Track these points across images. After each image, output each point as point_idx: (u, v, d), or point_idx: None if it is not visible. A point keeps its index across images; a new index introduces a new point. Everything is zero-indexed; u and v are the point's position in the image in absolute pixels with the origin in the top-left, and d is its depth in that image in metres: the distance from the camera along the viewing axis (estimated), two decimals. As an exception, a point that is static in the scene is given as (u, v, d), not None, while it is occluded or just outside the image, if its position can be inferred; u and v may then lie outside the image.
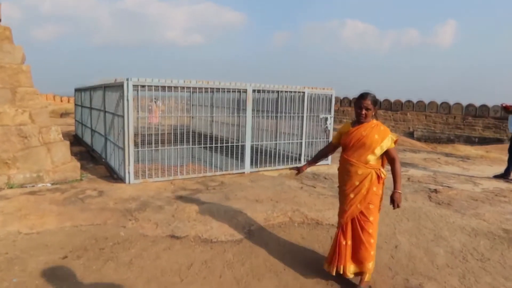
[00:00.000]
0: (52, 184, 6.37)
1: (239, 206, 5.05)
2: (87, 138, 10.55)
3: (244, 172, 7.23)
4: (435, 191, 6.35)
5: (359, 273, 3.18)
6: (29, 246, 3.77)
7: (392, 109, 25.92)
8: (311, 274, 3.28)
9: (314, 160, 3.68)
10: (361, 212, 3.10)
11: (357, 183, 3.08)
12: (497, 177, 7.58)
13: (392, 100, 28.17)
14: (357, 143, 3.07)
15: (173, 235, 4.08)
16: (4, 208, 4.82)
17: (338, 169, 3.29)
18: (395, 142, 3.12)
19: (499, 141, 20.43)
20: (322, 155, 3.66)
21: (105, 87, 7.56)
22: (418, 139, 24.06)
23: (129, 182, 6.13)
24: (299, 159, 8.08)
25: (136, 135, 6.39)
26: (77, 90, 12.42)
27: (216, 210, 4.83)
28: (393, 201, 3.07)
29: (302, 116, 7.96)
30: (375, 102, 3.07)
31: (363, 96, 3.06)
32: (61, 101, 35.06)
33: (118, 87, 6.34)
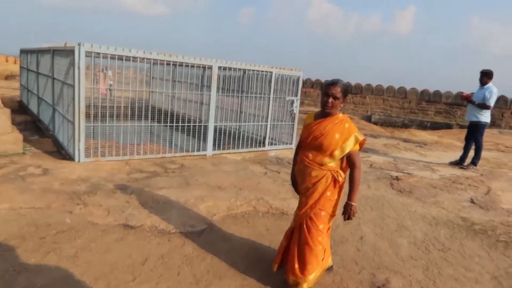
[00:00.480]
0: (-12, 157, 5.67)
1: (200, 193, 4.73)
2: (33, 106, 9.61)
3: (206, 155, 6.87)
4: (397, 178, 6.39)
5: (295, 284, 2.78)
6: (-46, 233, 3.25)
7: (352, 92, 26.36)
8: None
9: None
10: (310, 218, 2.73)
11: (310, 185, 2.73)
12: (452, 163, 7.81)
13: (353, 83, 28.64)
14: (314, 141, 2.69)
15: (127, 224, 3.70)
16: None
17: (296, 167, 2.93)
18: (361, 145, 2.70)
19: (448, 126, 21.48)
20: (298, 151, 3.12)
21: (54, 51, 6.78)
22: (375, 123, 24.75)
23: (79, 161, 5.57)
24: (263, 142, 7.84)
25: (88, 106, 5.79)
26: (23, 51, 11.24)
27: (175, 197, 4.48)
28: (345, 212, 2.72)
29: (269, 98, 7.67)
30: (346, 91, 2.66)
31: (333, 82, 2.65)
32: (7, 61, 32.10)
33: (68, 52, 5.66)
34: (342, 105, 2.69)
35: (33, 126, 8.27)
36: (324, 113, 2.71)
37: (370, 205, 4.97)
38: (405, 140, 11.43)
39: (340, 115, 2.72)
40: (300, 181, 2.83)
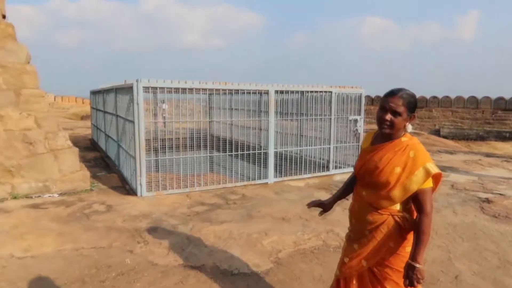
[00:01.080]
0: (60, 194, 5.88)
1: (264, 226, 4.38)
2: (101, 143, 10.11)
3: (267, 183, 6.56)
4: (487, 200, 5.53)
5: None
6: (19, 275, 3.21)
7: (417, 106, 24.82)
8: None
9: (341, 193, 2.38)
10: (372, 272, 2.05)
11: (366, 232, 2.05)
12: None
13: (417, 96, 26.96)
14: (367, 176, 2.03)
15: (187, 265, 3.45)
16: (0, 225, 4.31)
17: (349, 207, 2.25)
18: (436, 180, 1.95)
19: (532, 135, 19.10)
20: (349, 183, 2.35)
21: (117, 90, 7.03)
22: (445, 137, 22.89)
23: (141, 195, 5.55)
24: (327, 166, 7.35)
25: (148, 140, 5.81)
26: (93, 92, 12.03)
27: (237, 232, 4.17)
28: (407, 277, 1.88)
29: (330, 118, 7.23)
30: (411, 104, 1.92)
31: (392, 92, 1.93)
32: (83, 103, 35.30)
33: (128, 89, 5.78)
34: (408, 123, 1.94)
35: (101, 162, 8.62)
36: (383, 136, 2.01)
37: (460, 234, 4.26)
38: (487, 155, 10.19)
39: (405, 138, 1.97)
40: (352, 221, 2.19)
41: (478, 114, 25.48)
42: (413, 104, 1.93)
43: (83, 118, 29.22)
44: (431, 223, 1.90)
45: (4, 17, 6.38)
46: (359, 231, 2.10)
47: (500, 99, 25.31)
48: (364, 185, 2.07)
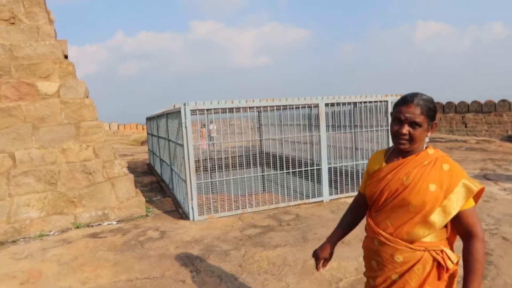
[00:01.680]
0: (118, 222, 6.01)
1: (321, 250, 4.05)
2: (157, 167, 10.39)
3: (322, 201, 6.21)
4: None
5: None
6: (76, 310, 3.21)
7: (484, 111, 22.80)
8: None
9: (344, 230, 2.02)
10: None
11: (394, 276, 1.61)
12: None
13: (483, 101, 24.93)
14: (392, 199, 1.61)
15: (240, 296, 3.24)
16: (62, 257, 4.42)
17: (363, 244, 1.85)
18: (477, 197, 1.57)
19: None
20: (351, 216, 2.02)
21: (167, 115, 7.17)
22: (519, 143, 20.74)
23: (193, 219, 5.48)
24: (387, 180, 6.82)
25: (198, 161, 5.76)
26: (148, 119, 12.53)
27: (293, 258, 3.89)
28: None
29: (387, 130, 6.74)
30: (431, 111, 1.58)
31: (406, 100, 1.59)
32: (143, 129, 37.29)
33: (177, 113, 5.83)
34: (429, 134, 1.61)
35: (157, 186, 8.80)
36: (400, 151, 1.66)
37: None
38: None
39: (431, 150, 1.64)
40: (374, 267, 1.71)
41: (556, 118, 22.90)
42: (433, 111, 1.59)
43: (143, 143, 30.75)
44: (485, 249, 1.58)
45: (66, 57, 6.82)
46: (383, 277, 1.64)
47: None
48: (387, 213, 1.64)
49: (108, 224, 5.92)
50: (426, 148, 1.65)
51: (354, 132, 6.90)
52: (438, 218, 1.52)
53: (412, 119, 1.55)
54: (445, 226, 1.60)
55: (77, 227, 5.77)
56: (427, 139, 1.62)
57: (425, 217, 1.53)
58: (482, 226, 1.53)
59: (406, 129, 1.56)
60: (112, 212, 6.14)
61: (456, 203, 1.51)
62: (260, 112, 6.22)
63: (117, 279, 3.76)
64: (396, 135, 1.60)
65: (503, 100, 24.82)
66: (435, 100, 6.95)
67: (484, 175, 8.05)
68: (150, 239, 4.82)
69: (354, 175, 6.59)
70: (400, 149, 1.63)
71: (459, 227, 1.56)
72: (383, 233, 1.63)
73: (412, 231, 1.56)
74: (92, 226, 5.85)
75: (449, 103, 25.68)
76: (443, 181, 1.53)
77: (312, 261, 3.77)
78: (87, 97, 6.73)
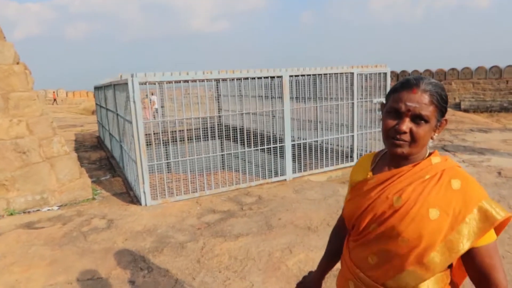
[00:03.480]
0: (59, 206, 5.36)
1: (287, 239, 3.73)
2: (107, 142, 9.57)
3: (285, 180, 5.88)
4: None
5: None
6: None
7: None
8: None
9: (326, 264, 1.48)
10: None
11: None
12: None
13: (434, 69, 25.80)
14: (376, 224, 1.16)
15: (198, 301, 2.84)
16: (-13, 255, 3.78)
17: (336, 281, 1.38)
18: (501, 226, 1.08)
19: None
20: (337, 240, 1.43)
21: (115, 86, 6.40)
22: (466, 110, 21.78)
23: (146, 204, 4.95)
24: (351, 156, 6.62)
25: (149, 135, 5.10)
26: (96, 88, 11.45)
27: (256, 250, 3.53)
28: None
29: (352, 103, 6.46)
30: (442, 101, 1.11)
31: (410, 83, 1.11)
32: (94, 97, 35.05)
33: (124, 85, 5.13)
34: (435, 136, 1.15)
35: (107, 163, 8.08)
36: (394, 158, 1.18)
37: (524, 238, 3.53)
38: (526, 130, 9.26)
39: (436, 158, 1.16)
40: None
41: (502, 85, 24.21)
42: (445, 102, 1.12)
43: (93, 112, 28.95)
44: None
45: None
46: None
47: (527, 66, 24.00)
48: (369, 245, 1.18)
49: (48, 209, 5.26)
50: (429, 155, 1.17)
51: (319, 106, 6.54)
52: (439, 258, 1.06)
53: (417, 111, 1.07)
54: (449, 266, 1.14)
55: (11, 214, 5.06)
56: (430, 143, 1.17)
57: (421, 256, 1.07)
58: (504, 270, 1.09)
59: (406, 125, 1.08)
60: (52, 196, 5.45)
61: (468, 237, 1.04)
62: (219, 82, 5.67)
63: (53, 282, 3.22)
64: (391, 134, 1.12)
65: (452, 69, 25.81)
66: (390, 69, 6.71)
67: (443, 146, 8.13)
68: (95, 230, 4.26)
69: (318, 150, 6.30)
70: (395, 154, 1.13)
71: (472, 269, 1.10)
72: (362, 275, 1.18)
73: (401, 276, 1.11)
74: (29, 212, 5.17)
75: (403, 71, 26.23)
76: (451, 204, 1.06)
77: (278, 254, 3.45)
78: (18, 63, 5.78)
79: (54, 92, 38.25)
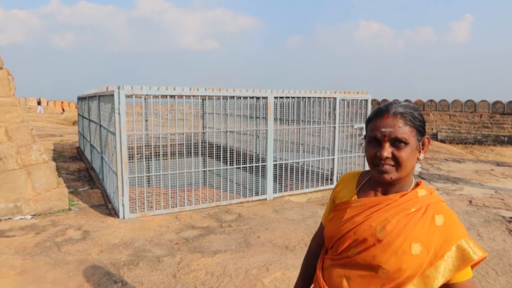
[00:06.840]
0: (33, 216, 5.22)
1: (264, 257, 3.74)
2: (87, 153, 9.43)
3: (266, 199, 5.92)
4: (512, 221, 4.95)
5: None
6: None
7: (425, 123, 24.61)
8: None
9: (301, 285, 1.45)
10: None
11: None
12: None
13: (413, 100, 26.75)
14: (357, 251, 1.16)
15: (172, 316, 2.81)
16: (-46, 263, 3.64)
17: None
18: (476, 264, 1.09)
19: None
20: (313, 260, 1.40)
21: (100, 97, 6.38)
22: (443, 141, 22.54)
23: (124, 217, 4.89)
24: (331, 179, 6.74)
25: (131, 148, 5.09)
26: (79, 98, 11.35)
27: (233, 267, 3.53)
28: None
29: (334, 127, 6.62)
30: (417, 120, 1.15)
31: (380, 110, 1.17)
32: (76, 108, 34.50)
33: (110, 97, 5.14)
34: (421, 157, 1.18)
35: (86, 174, 7.94)
36: (379, 182, 1.19)
37: (492, 266, 3.66)
38: (498, 164, 9.63)
39: (422, 191, 1.18)
40: None
41: (476, 118, 25.24)
42: (420, 120, 1.15)
43: (75, 123, 28.48)
44: None
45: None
46: None
47: (498, 103, 25.22)
48: (346, 268, 1.18)
49: (21, 218, 5.11)
50: (416, 185, 1.19)
51: (302, 128, 6.67)
52: None
53: (393, 135, 1.11)
54: None
55: (-19, 222, 4.90)
56: (417, 167, 1.23)
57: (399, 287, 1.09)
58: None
59: (387, 150, 1.11)
60: (26, 204, 5.31)
61: (443, 273, 1.07)
62: (205, 99, 5.75)
63: (22, 293, 3.13)
64: (375, 162, 1.14)
65: (431, 100, 26.81)
66: (371, 97, 6.94)
67: (419, 174, 8.35)
68: (70, 241, 4.17)
69: (299, 172, 6.39)
70: (384, 181, 1.14)
71: None
72: None
73: None
74: (0, 220, 5.01)
75: (384, 100, 27.02)
76: (433, 241, 1.08)
77: (255, 271, 3.46)
78: (1, 68, 5.74)
79: (62, 102, 38.96)
